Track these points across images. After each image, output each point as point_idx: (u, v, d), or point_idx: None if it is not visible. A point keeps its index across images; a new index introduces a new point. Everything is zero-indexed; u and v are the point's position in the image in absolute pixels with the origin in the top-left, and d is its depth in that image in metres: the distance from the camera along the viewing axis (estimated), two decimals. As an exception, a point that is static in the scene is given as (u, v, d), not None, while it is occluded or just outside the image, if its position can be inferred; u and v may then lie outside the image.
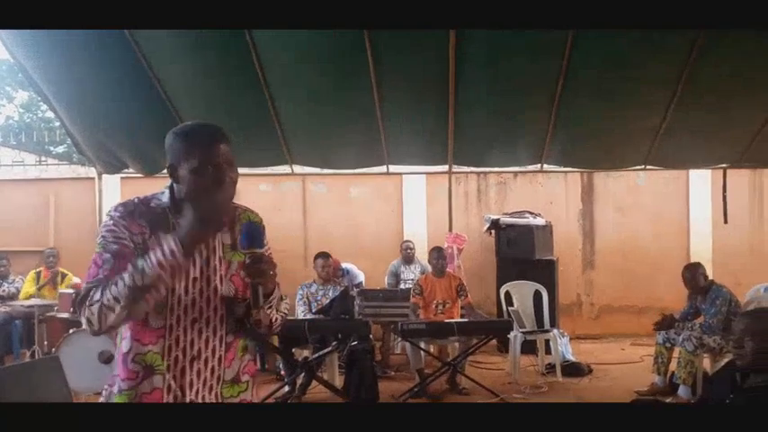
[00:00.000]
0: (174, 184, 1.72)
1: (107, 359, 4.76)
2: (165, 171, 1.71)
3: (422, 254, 7.37)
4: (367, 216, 8.40)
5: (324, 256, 5.94)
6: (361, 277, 7.39)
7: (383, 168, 6.76)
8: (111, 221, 1.66)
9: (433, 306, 5.95)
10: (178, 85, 5.28)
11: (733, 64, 4.93)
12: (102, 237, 1.65)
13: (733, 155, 6.31)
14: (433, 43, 4.83)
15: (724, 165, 6.62)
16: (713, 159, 6.56)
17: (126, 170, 6.51)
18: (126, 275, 1.54)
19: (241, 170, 1.74)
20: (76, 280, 6.98)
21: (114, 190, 8.02)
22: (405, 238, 7.83)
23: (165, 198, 1.72)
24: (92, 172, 7.11)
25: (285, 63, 5.06)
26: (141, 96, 5.31)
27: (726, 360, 4.18)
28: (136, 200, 1.71)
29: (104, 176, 6.70)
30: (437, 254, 6.06)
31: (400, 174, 7.92)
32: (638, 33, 4.46)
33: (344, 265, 7.11)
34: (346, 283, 6.29)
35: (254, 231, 1.66)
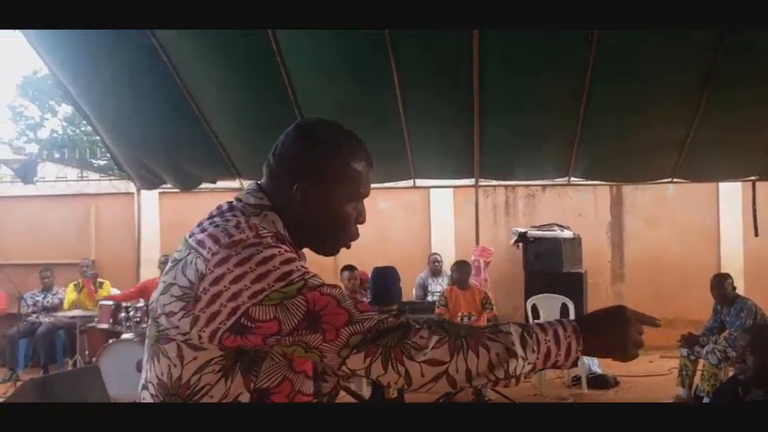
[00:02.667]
0: (290, 211, 1.25)
1: (143, 367, 4.95)
2: (236, 185, 1.41)
3: (450, 267, 7.48)
4: (395, 229, 8.53)
5: (350, 268, 6.09)
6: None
7: (410, 182, 6.89)
8: (284, 252, 1.16)
9: (459, 318, 6.03)
10: (209, 99, 5.46)
11: (757, 75, 4.89)
12: (298, 273, 1.14)
13: (761, 167, 6.26)
14: (458, 56, 4.90)
15: (753, 177, 6.58)
16: (740, 172, 6.53)
17: (164, 185, 6.74)
18: (516, 346, 1.12)
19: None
20: (115, 291, 7.26)
21: (153, 204, 8.33)
22: (432, 251, 7.94)
23: (274, 229, 1.23)
24: (131, 187, 7.38)
25: (310, 75, 5.16)
26: (175, 112, 5.49)
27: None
28: (255, 230, 1.18)
29: (143, 191, 6.95)
30: (456, 267, 6.18)
31: (427, 187, 8.03)
32: (660, 47, 4.50)
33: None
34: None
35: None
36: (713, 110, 5.25)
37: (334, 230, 1.28)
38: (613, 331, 1.17)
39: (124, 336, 5.82)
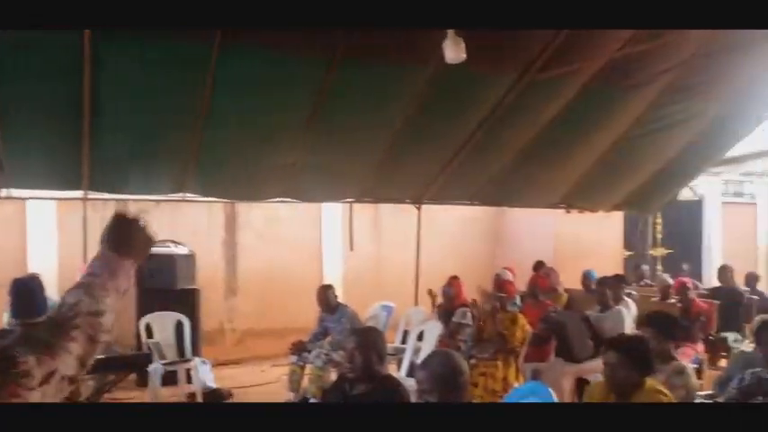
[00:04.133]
0: None
1: None
2: None
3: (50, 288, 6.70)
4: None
5: None
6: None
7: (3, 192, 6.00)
8: None
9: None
10: None
11: (356, 103, 5.30)
12: None
13: (356, 191, 7.00)
14: (63, 51, 4.41)
15: (349, 199, 7.43)
16: (339, 194, 7.26)
17: None
18: None
19: None
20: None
21: None
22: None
23: None
24: None
25: None
26: None
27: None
28: None
29: None
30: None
31: (23, 198, 7.09)
32: (276, 66, 4.68)
33: None
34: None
35: None
36: (317, 135, 5.68)
37: None
38: None
39: None
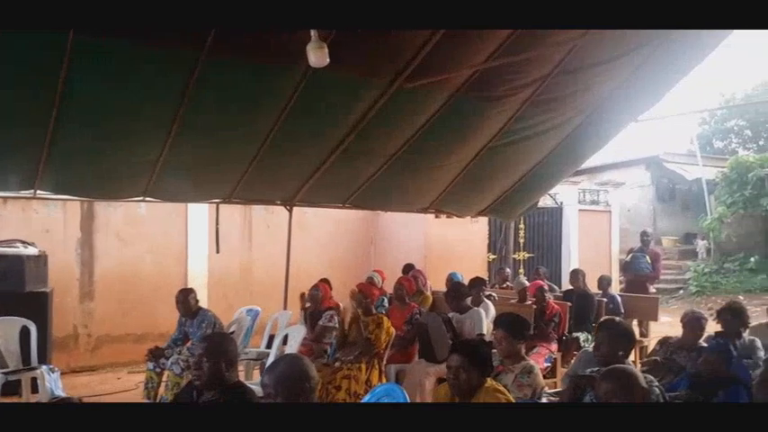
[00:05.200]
0: None
1: None
2: None
3: None
4: None
5: None
6: None
7: None
8: None
9: None
10: None
11: (223, 105, 5.19)
12: None
13: (224, 192, 6.84)
14: None
15: (216, 200, 7.22)
16: (205, 195, 7.05)
17: None
18: None
19: None
20: None
21: None
22: None
23: None
24: None
25: None
26: None
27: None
28: None
29: None
30: None
31: None
32: (139, 59, 4.47)
33: None
34: None
35: None
36: (182, 136, 5.47)
37: None
38: None
39: None
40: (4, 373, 5.53)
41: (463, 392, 3.11)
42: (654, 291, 9.55)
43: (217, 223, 7.40)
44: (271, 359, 5.84)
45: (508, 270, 10.31)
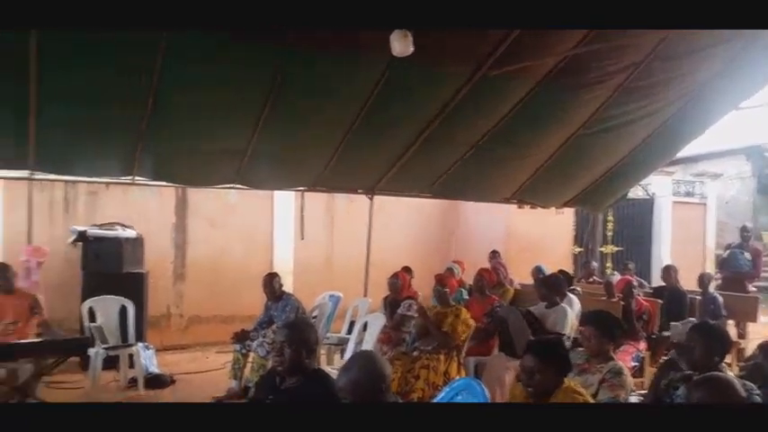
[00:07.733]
0: None
1: None
2: None
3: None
4: None
5: None
6: None
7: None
8: None
9: (3, 326, 5.34)
10: None
11: (309, 95, 5.31)
12: None
13: (309, 179, 6.99)
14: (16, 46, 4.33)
15: (302, 188, 7.38)
16: (292, 182, 7.21)
17: None
18: None
19: None
20: None
21: None
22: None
23: None
24: None
25: None
26: None
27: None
28: None
29: None
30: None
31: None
32: (230, 57, 4.65)
33: None
34: None
35: None
36: (271, 124, 5.67)
37: None
38: None
39: None
40: (105, 349, 5.88)
41: (538, 394, 3.00)
42: (753, 289, 9.01)
43: (302, 210, 7.56)
44: (350, 345, 5.94)
45: (595, 264, 10.01)
